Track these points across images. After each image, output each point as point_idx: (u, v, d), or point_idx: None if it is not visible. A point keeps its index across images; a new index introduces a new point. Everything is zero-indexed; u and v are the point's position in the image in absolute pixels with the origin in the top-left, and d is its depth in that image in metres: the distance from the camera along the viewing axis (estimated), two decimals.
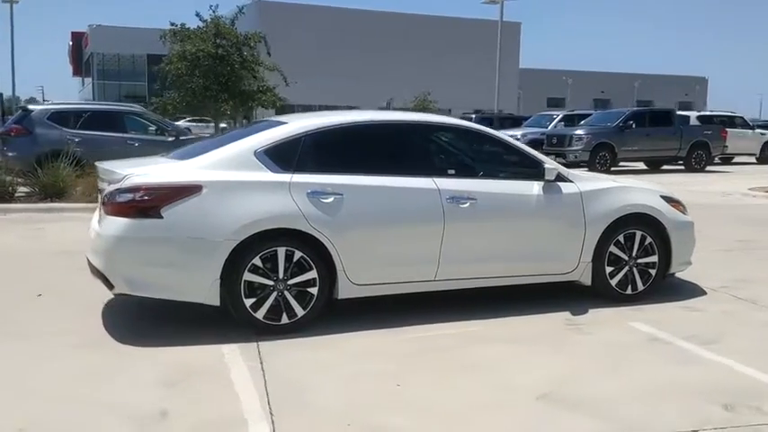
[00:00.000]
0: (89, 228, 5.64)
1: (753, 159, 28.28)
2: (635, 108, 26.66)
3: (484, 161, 6.03)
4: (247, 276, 4.86)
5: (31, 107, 15.39)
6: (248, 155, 5.06)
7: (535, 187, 5.65)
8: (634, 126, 21.86)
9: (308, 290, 5.02)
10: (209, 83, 15.63)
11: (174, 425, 3.59)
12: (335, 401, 3.90)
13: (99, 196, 5.63)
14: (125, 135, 14.09)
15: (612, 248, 5.83)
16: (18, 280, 6.74)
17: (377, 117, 5.80)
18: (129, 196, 4.78)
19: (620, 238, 5.85)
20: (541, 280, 5.77)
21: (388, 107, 45.52)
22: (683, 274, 6.50)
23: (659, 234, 5.97)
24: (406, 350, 4.76)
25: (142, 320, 5.42)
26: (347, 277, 5.11)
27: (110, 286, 4.88)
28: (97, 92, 64.44)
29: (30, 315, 5.57)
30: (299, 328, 5.00)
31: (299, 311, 5.01)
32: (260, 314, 4.92)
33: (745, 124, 28.42)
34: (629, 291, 5.93)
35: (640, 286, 5.96)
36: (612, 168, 20.92)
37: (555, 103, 70.58)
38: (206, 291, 4.81)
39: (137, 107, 15.31)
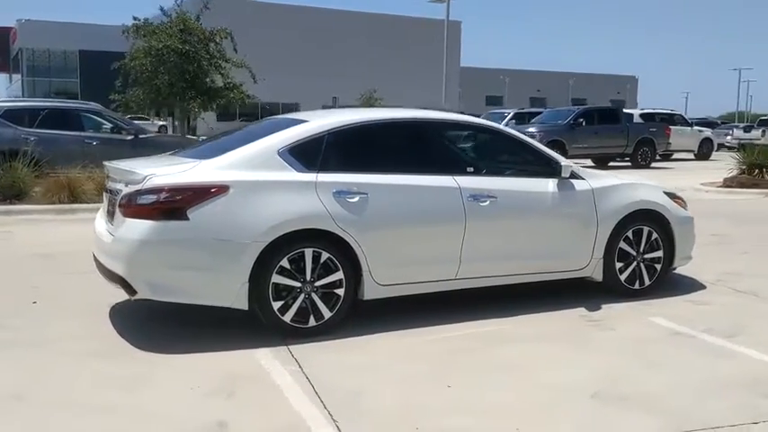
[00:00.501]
0: (95, 230, 5.39)
1: (691, 156, 29.35)
2: (585, 106, 27.32)
3: (500, 159, 6.04)
4: (275, 278, 4.73)
5: None
6: (272, 154, 4.93)
7: (550, 185, 5.69)
8: (584, 124, 22.41)
9: (335, 291, 4.93)
10: (174, 80, 15.17)
11: None
12: (391, 404, 3.83)
13: (105, 197, 5.40)
14: (82, 134, 13.60)
15: (622, 244, 5.92)
16: (2, 287, 6.39)
17: (397, 115, 5.73)
18: (153, 197, 4.58)
19: (629, 233, 5.95)
20: (556, 277, 5.81)
21: (334, 105, 45.35)
22: (680, 268, 6.64)
23: (664, 229, 6.10)
24: (434, 351, 4.71)
25: (151, 324, 5.23)
26: (372, 278, 5.03)
27: (131, 292, 4.66)
28: (27, 89, 61.92)
29: (30, 322, 5.29)
30: (325, 331, 4.90)
31: (326, 314, 4.91)
32: (288, 317, 4.80)
33: (684, 122, 29.46)
34: (636, 286, 6.03)
35: (647, 281, 6.07)
36: None
37: (493, 101, 71.65)
38: (234, 294, 4.66)
39: (94, 105, 14.77)
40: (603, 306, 5.74)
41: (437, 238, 5.26)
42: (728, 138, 37.36)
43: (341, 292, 4.94)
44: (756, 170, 15.67)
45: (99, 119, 14.31)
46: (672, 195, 6.33)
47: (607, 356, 4.64)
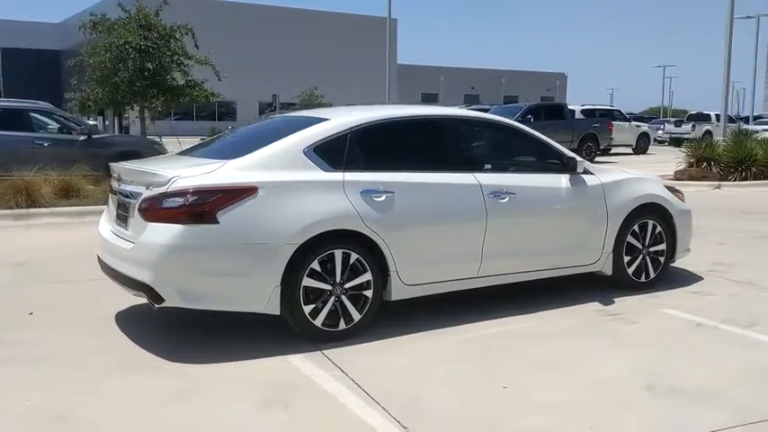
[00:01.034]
0: (99, 234, 5.12)
1: (629, 150, 30.26)
2: (534, 103, 27.73)
3: (517, 155, 6.04)
4: (306, 282, 4.58)
5: None
6: (297, 153, 4.76)
7: (564, 180, 5.71)
8: (532, 120, 22.72)
9: (363, 293, 4.81)
10: (134, 78, 14.57)
11: None
12: (455, 407, 3.74)
13: (112, 199, 5.12)
14: (32, 134, 12.93)
15: (629, 238, 6.00)
16: None
17: (417, 111, 5.62)
18: (180, 201, 4.36)
19: (636, 227, 6.03)
20: (569, 272, 5.84)
21: (273, 103, 44.77)
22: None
23: (666, 222, 6.21)
24: (469, 351, 4.65)
25: (164, 332, 5.00)
26: (399, 278, 4.94)
27: (158, 300, 4.41)
28: None
29: (34, 335, 4.96)
30: (354, 334, 4.78)
31: (356, 316, 4.79)
32: (318, 321, 4.65)
33: (622, 117, 30.32)
34: (643, 278, 6.12)
35: (652, 273, 6.17)
36: None
37: (429, 98, 72.05)
38: (266, 299, 4.49)
39: (43, 104, 14.04)
40: (616, 300, 5.80)
41: (460, 236, 5.21)
42: (660, 132, 38.78)
43: (369, 293, 4.82)
44: (705, 163, 16.25)
45: (50, 119, 13.64)
46: (672, 189, 6.47)
47: (640, 350, 4.67)
